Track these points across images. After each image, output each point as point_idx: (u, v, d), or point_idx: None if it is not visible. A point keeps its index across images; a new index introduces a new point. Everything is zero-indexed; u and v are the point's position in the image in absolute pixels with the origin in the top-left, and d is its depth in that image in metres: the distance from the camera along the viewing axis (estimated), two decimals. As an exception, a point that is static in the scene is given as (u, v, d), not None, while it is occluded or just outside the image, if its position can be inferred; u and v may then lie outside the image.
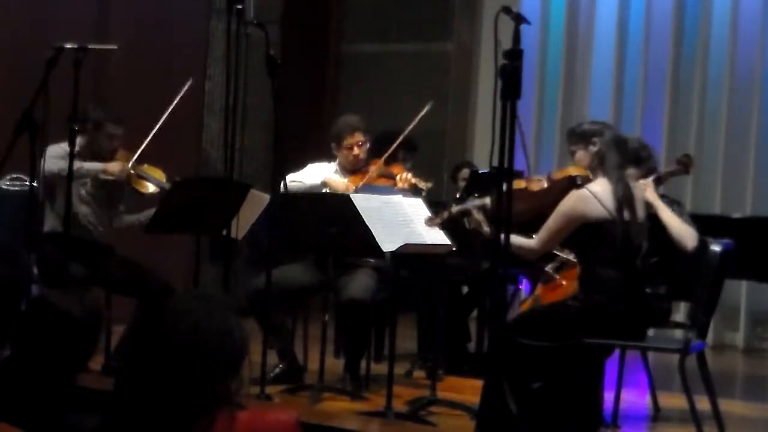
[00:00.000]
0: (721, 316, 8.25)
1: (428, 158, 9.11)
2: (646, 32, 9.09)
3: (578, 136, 4.97)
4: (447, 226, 5.20)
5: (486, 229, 4.86)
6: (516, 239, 4.86)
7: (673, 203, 5.59)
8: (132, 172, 5.76)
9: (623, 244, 4.74)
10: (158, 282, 5.70)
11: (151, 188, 5.80)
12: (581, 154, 4.92)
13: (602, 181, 4.80)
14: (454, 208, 4.98)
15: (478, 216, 4.91)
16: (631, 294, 4.75)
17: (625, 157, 4.93)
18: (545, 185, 4.96)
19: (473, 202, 5.01)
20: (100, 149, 5.82)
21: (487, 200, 4.89)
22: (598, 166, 4.84)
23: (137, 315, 5.63)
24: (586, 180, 4.85)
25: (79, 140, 5.59)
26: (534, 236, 4.89)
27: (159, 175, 5.83)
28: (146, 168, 5.83)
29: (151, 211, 5.74)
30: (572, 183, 4.87)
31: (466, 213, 4.95)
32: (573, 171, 4.93)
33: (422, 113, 5.87)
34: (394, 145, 5.95)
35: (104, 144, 5.81)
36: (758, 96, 8.72)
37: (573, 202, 4.77)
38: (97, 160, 5.78)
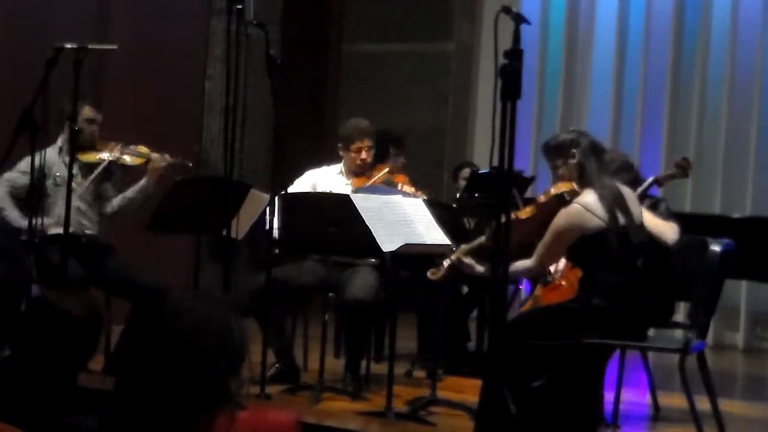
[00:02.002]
0: (721, 316, 8.25)
1: (428, 158, 9.12)
2: (646, 32, 9.09)
3: (555, 151, 4.88)
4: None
5: (479, 269, 4.87)
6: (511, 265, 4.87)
7: (659, 201, 5.60)
8: (119, 154, 5.81)
9: (623, 247, 4.72)
10: (151, 285, 5.65)
11: (138, 159, 5.84)
12: (563, 170, 4.84)
13: (589, 191, 4.76)
14: (453, 256, 4.99)
15: (468, 260, 4.93)
16: (633, 297, 4.73)
17: (604, 162, 4.88)
18: (534, 211, 4.90)
19: (469, 246, 5.00)
20: (80, 138, 5.75)
21: (482, 239, 4.92)
22: (580, 178, 4.80)
23: (131, 318, 5.61)
24: (574, 194, 4.78)
25: (61, 138, 5.60)
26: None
27: (143, 150, 5.88)
28: (134, 148, 5.87)
29: (137, 186, 5.83)
30: (561, 200, 4.81)
31: (461, 261, 4.97)
32: (560, 188, 4.85)
33: None
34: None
35: (84, 129, 5.67)
36: (758, 96, 8.73)
37: (566, 218, 4.72)
38: (80, 151, 5.66)
